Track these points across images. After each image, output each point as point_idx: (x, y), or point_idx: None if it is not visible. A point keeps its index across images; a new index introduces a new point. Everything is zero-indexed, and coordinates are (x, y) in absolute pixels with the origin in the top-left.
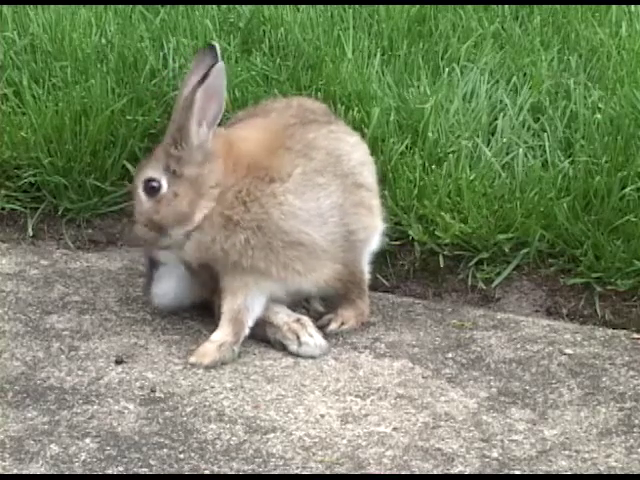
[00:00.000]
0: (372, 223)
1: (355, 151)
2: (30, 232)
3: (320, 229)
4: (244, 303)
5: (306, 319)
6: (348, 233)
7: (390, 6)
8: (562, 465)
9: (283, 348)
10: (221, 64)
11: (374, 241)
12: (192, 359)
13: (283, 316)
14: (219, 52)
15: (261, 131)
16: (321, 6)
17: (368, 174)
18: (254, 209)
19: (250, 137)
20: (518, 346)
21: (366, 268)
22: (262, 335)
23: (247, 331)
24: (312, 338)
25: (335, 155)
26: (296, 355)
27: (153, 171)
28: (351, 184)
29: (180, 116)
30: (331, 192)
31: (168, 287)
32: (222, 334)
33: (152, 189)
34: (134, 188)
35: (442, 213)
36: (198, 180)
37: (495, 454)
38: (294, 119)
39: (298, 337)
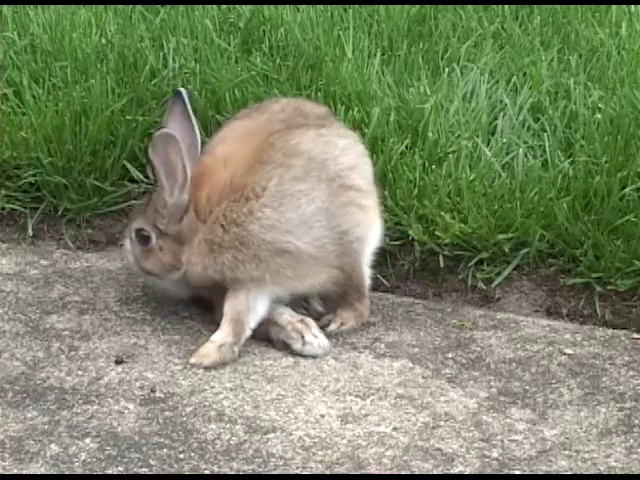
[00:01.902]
0: (366, 220)
1: (345, 155)
2: (30, 232)
3: (305, 235)
4: (246, 304)
5: (310, 320)
6: (341, 234)
7: (390, 6)
8: (562, 465)
9: (285, 347)
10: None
11: (372, 239)
12: (192, 360)
13: (287, 317)
14: (186, 97)
15: (239, 145)
16: (321, 6)
17: (358, 177)
18: (233, 229)
19: (226, 156)
20: (518, 346)
21: (367, 272)
22: (265, 334)
23: (249, 332)
24: (316, 338)
25: (319, 160)
26: (298, 354)
27: (144, 223)
28: (338, 187)
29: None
30: (314, 197)
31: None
32: (222, 334)
33: (143, 238)
34: (128, 234)
35: (442, 213)
36: (180, 235)
37: (495, 454)
38: (281, 124)
39: (302, 336)
